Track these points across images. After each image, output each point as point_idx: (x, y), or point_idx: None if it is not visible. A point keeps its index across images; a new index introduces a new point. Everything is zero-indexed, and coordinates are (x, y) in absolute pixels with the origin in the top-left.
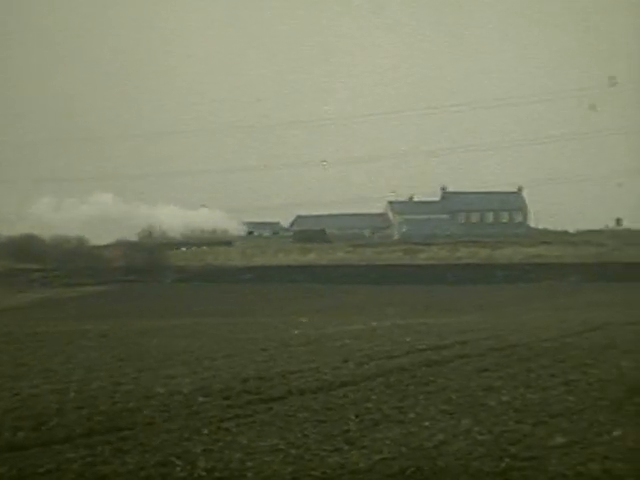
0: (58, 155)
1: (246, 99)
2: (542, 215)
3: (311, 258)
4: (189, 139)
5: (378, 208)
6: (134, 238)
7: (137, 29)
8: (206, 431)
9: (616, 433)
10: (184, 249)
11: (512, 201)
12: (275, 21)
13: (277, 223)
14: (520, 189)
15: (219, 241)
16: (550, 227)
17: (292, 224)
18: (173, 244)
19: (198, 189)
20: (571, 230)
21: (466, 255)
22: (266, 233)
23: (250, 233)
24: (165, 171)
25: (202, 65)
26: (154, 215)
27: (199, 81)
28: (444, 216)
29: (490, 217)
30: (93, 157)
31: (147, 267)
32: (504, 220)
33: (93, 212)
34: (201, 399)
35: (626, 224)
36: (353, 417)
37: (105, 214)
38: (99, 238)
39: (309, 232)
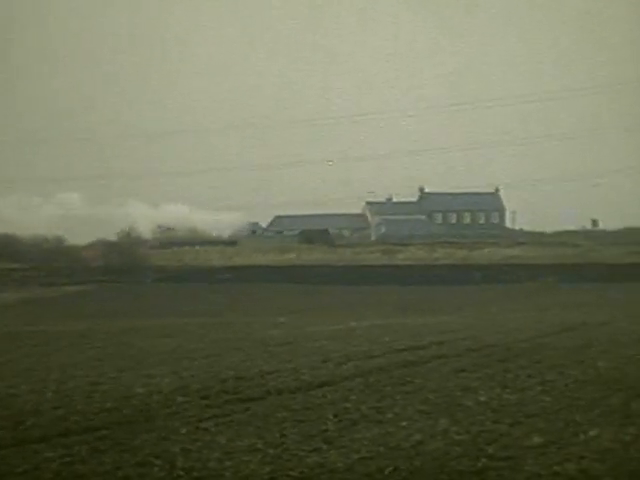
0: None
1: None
2: (519, 216)
3: (289, 258)
4: (167, 140)
5: (356, 208)
6: (113, 238)
7: (136, 29)
8: (184, 431)
9: (592, 433)
10: (187, 248)
11: (489, 202)
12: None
13: (256, 223)
14: (497, 190)
15: (223, 241)
16: (527, 228)
17: (270, 224)
18: (177, 243)
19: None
20: (547, 231)
21: (443, 256)
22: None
23: (253, 233)
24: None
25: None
26: (129, 214)
27: (173, 82)
28: (422, 217)
29: (467, 218)
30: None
31: (126, 267)
32: (481, 221)
33: (59, 212)
34: (179, 399)
35: (602, 225)
36: (331, 417)
37: (72, 214)
38: (77, 238)
39: (312, 232)
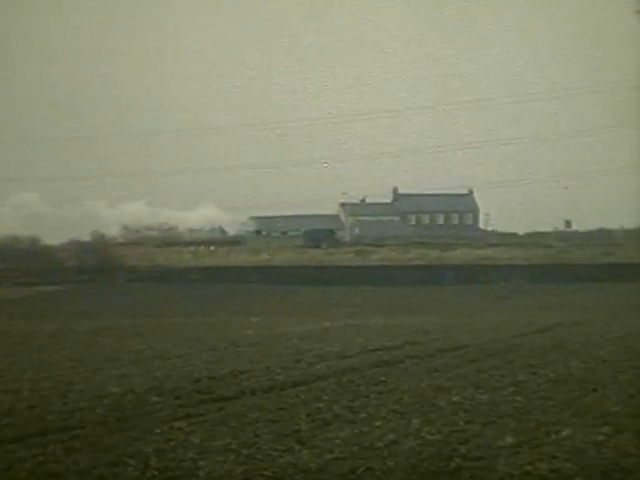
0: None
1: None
2: (492, 217)
3: (262, 259)
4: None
5: (330, 209)
6: (87, 238)
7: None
8: (158, 430)
9: (564, 433)
10: (192, 248)
11: (462, 203)
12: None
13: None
14: (470, 191)
15: (227, 240)
16: (500, 229)
17: (243, 225)
18: (181, 243)
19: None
20: (520, 232)
21: (417, 256)
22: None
23: (258, 232)
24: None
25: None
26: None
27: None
28: (395, 218)
29: (441, 219)
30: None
31: (99, 267)
32: (454, 222)
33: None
34: (153, 399)
35: (575, 226)
36: (304, 417)
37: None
38: (51, 238)
39: (317, 232)
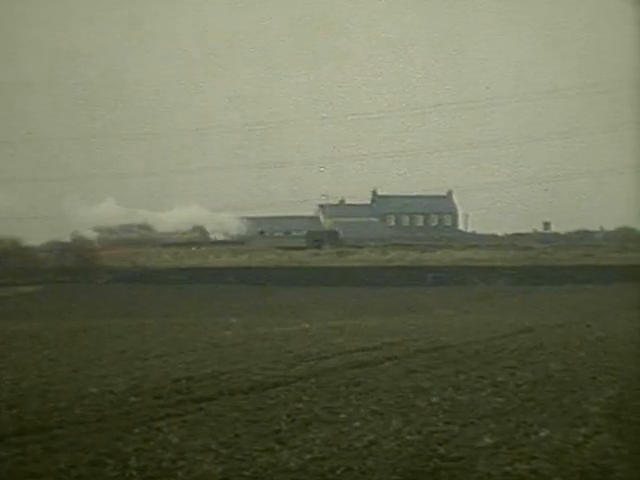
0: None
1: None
2: (471, 219)
3: (242, 260)
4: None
5: (310, 211)
6: (67, 239)
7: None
8: (137, 430)
9: (543, 434)
10: (194, 249)
11: (442, 205)
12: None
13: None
14: (450, 193)
15: (232, 241)
16: (479, 231)
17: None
18: (186, 244)
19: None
20: (500, 234)
21: (396, 258)
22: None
23: (262, 233)
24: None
25: None
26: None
27: None
28: (375, 219)
29: (420, 220)
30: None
31: (79, 268)
32: (434, 223)
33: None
34: (132, 399)
35: (554, 228)
36: (284, 417)
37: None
38: (32, 239)
39: (320, 233)
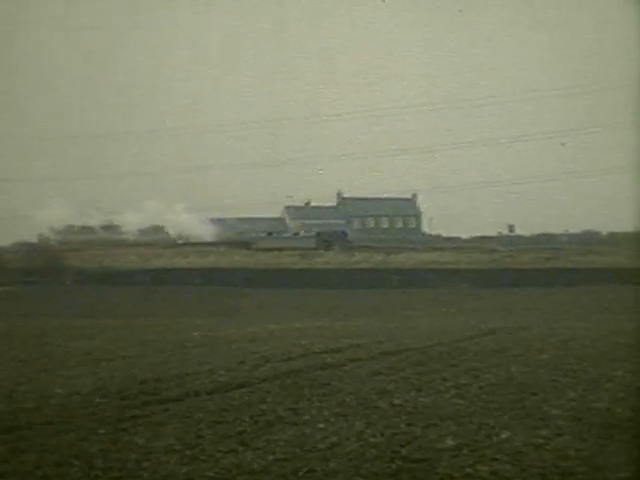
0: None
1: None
2: (436, 221)
3: (208, 261)
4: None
5: (275, 213)
6: (34, 240)
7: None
8: (103, 431)
9: (504, 436)
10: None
11: (407, 207)
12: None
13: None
14: (414, 195)
15: (237, 242)
16: (444, 233)
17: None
18: (190, 244)
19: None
20: (464, 236)
21: (362, 260)
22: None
23: (270, 234)
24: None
25: None
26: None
27: None
28: (340, 221)
29: (385, 223)
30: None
31: (46, 269)
32: (399, 226)
33: None
34: (98, 400)
35: (518, 231)
36: (248, 418)
37: None
38: None
39: (330, 234)
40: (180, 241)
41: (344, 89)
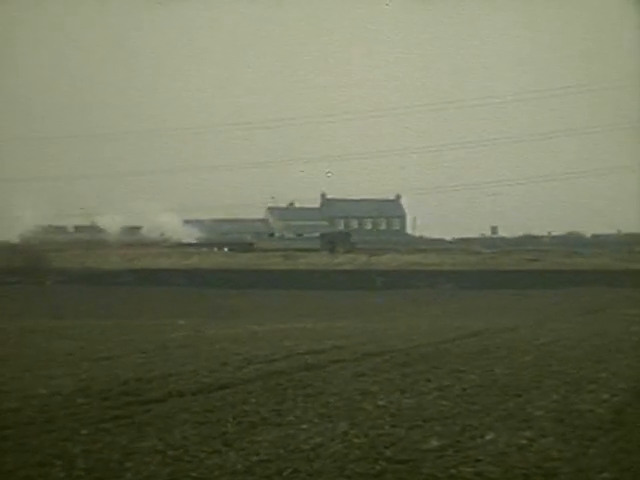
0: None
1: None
2: (420, 223)
3: (192, 262)
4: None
5: (259, 214)
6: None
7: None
8: (85, 432)
9: (488, 437)
10: (204, 249)
11: (390, 209)
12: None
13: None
14: (398, 197)
15: (241, 242)
16: (427, 235)
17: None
18: (195, 245)
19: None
20: (447, 238)
21: (345, 261)
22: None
23: (271, 235)
24: None
25: None
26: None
27: None
28: (323, 222)
29: (369, 224)
30: None
31: (28, 269)
32: (382, 227)
33: None
34: (80, 400)
35: (501, 232)
36: (231, 419)
37: None
38: None
39: (334, 235)
40: (164, 243)
41: (328, 90)
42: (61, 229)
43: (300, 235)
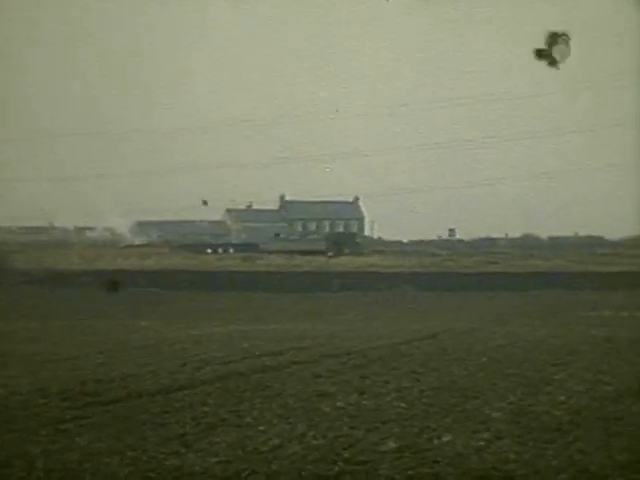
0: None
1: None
2: (377, 225)
3: (150, 263)
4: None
5: (217, 215)
6: None
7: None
8: (45, 432)
9: (446, 439)
10: (209, 251)
11: (348, 211)
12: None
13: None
14: (356, 199)
15: (245, 243)
16: (385, 237)
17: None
18: (200, 246)
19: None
20: (405, 240)
21: (303, 263)
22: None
23: (277, 235)
24: None
25: None
26: None
27: None
28: (282, 224)
29: (327, 226)
30: None
31: None
32: (340, 229)
33: None
34: (39, 400)
35: (459, 235)
36: (190, 420)
37: None
38: None
39: (339, 236)
40: (121, 244)
41: (290, 92)
42: (30, 230)
43: (305, 236)
